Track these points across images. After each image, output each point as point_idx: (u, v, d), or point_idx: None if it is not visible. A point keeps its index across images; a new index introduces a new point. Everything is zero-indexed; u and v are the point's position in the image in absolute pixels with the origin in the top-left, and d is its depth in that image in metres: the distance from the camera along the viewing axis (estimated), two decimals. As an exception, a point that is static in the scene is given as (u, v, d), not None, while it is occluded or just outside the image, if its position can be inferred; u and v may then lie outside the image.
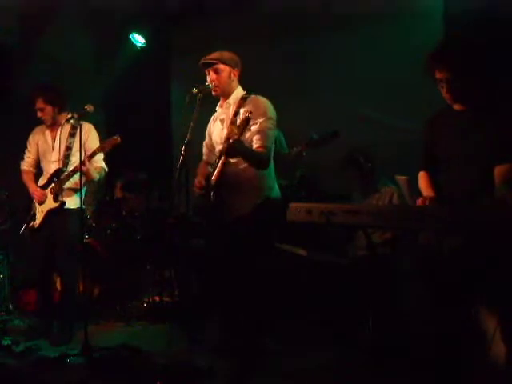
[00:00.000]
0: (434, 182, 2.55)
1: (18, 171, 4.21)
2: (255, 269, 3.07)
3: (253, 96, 3.20)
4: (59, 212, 3.87)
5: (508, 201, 2.18)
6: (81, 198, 3.67)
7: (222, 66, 3.16)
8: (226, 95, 3.23)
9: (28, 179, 4.09)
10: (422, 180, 2.62)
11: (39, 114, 3.97)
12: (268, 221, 3.11)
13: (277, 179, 3.32)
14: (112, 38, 5.82)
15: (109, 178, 5.13)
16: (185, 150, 2.95)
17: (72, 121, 3.85)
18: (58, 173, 3.91)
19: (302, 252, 3.68)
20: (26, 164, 4.14)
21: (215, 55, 3.18)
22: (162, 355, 3.15)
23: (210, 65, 3.17)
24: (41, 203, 3.93)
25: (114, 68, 6.02)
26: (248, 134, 3.05)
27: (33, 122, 4.12)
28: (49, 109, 3.95)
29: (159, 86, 6.08)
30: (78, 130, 3.73)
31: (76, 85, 5.29)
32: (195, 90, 3.05)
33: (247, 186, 3.10)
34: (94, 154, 3.74)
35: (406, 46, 4.45)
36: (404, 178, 2.74)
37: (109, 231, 4.90)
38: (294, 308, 3.71)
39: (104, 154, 3.97)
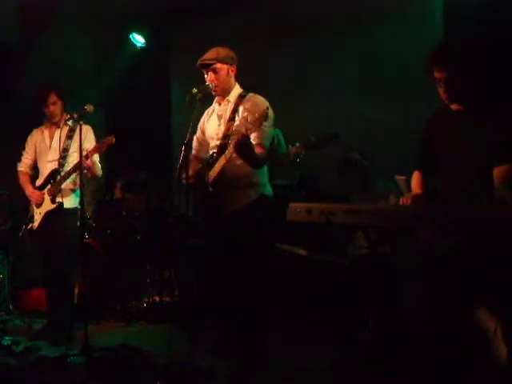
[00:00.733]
0: (424, 182, 2.57)
1: (17, 171, 4.20)
2: (253, 266, 3.07)
3: (251, 94, 3.21)
4: (57, 213, 3.86)
5: (508, 201, 2.18)
6: (81, 197, 3.67)
7: (219, 65, 3.16)
8: (226, 93, 3.24)
9: (25, 181, 4.08)
10: (414, 179, 2.64)
11: (51, 109, 3.94)
12: (263, 217, 3.13)
13: (277, 179, 3.33)
14: (112, 38, 5.82)
15: (109, 177, 5.14)
16: (185, 150, 2.95)
17: (70, 123, 3.86)
18: (54, 174, 3.89)
19: (302, 252, 3.69)
20: (24, 165, 4.13)
21: (212, 55, 3.18)
22: (162, 355, 3.16)
23: (207, 65, 3.17)
24: (38, 205, 3.91)
25: (113, 68, 6.02)
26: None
27: (33, 122, 4.12)
28: (60, 104, 3.97)
29: (159, 86, 6.07)
30: (77, 131, 3.76)
31: (76, 85, 5.29)
32: (195, 90, 3.04)
33: (243, 182, 3.12)
34: (90, 154, 3.72)
35: (406, 45, 4.45)
36: (403, 178, 2.74)
37: (109, 231, 4.90)
38: (294, 308, 3.71)
39: (103, 154, 3.97)
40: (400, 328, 3.19)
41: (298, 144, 3.46)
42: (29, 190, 4.00)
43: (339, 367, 3.06)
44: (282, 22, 5.13)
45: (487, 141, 2.28)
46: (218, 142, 3.21)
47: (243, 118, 3.05)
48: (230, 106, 3.21)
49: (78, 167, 3.64)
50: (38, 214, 3.92)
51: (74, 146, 3.91)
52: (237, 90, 3.26)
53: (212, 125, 3.32)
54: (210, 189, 3.08)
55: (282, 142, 4.29)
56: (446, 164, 2.44)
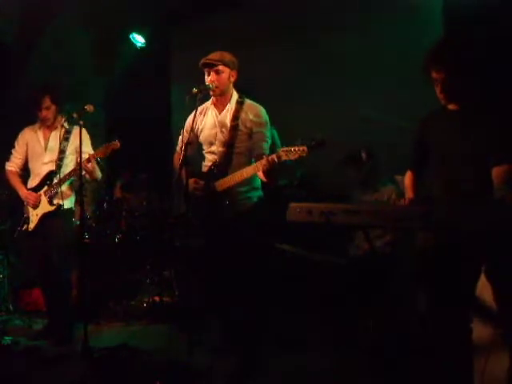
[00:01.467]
0: (417, 183, 2.58)
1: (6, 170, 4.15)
2: (254, 266, 3.07)
3: (248, 101, 3.21)
4: (55, 214, 3.83)
5: (507, 201, 2.18)
6: (81, 197, 3.65)
7: (222, 67, 3.16)
8: (224, 95, 3.24)
9: (17, 182, 4.01)
10: (407, 180, 2.65)
11: (44, 113, 3.90)
12: (266, 219, 3.14)
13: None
14: (112, 38, 5.82)
15: (109, 178, 5.14)
16: (185, 150, 2.95)
17: (66, 124, 3.86)
18: (50, 175, 3.86)
19: (302, 252, 3.69)
20: (14, 165, 4.04)
21: (217, 56, 3.18)
22: (161, 355, 3.15)
23: (211, 65, 3.17)
24: (35, 207, 3.87)
25: (114, 68, 6.02)
26: (250, 143, 3.13)
27: (32, 122, 4.12)
28: (54, 108, 3.92)
29: (159, 86, 6.08)
30: (73, 133, 3.80)
31: (76, 85, 5.29)
32: (195, 90, 3.04)
33: (247, 186, 3.13)
34: (94, 158, 3.71)
35: (406, 45, 4.45)
36: (403, 177, 2.74)
37: (109, 231, 4.90)
38: (294, 308, 3.71)
39: (104, 157, 3.97)
40: (400, 328, 3.19)
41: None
42: (23, 191, 3.94)
43: (339, 367, 3.06)
44: (281, 22, 5.13)
45: (485, 141, 2.28)
46: (220, 149, 3.19)
47: (247, 128, 3.11)
48: (230, 113, 3.20)
49: (77, 170, 3.60)
50: (35, 216, 3.87)
51: (71, 148, 3.90)
52: (235, 95, 3.26)
53: (209, 129, 3.27)
54: (215, 193, 3.08)
55: (278, 142, 4.29)
56: (444, 164, 2.43)
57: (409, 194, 2.62)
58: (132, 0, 5.07)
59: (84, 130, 3.92)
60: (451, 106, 2.42)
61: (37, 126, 4.03)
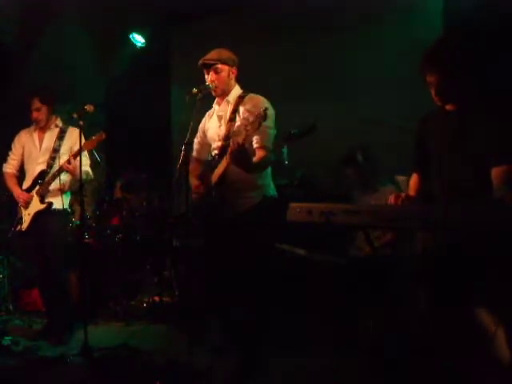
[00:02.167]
0: (421, 184, 2.57)
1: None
2: (254, 267, 3.07)
3: (251, 95, 3.21)
4: (46, 213, 3.85)
5: (507, 201, 2.18)
6: (81, 197, 3.66)
7: (221, 66, 3.17)
8: (226, 94, 3.24)
9: (12, 183, 4.06)
10: (412, 181, 2.64)
11: (35, 115, 3.96)
12: (267, 219, 3.12)
13: (276, 179, 3.33)
14: (112, 37, 5.82)
15: (109, 178, 5.14)
16: (185, 150, 2.95)
17: (60, 124, 3.88)
18: (42, 174, 3.90)
19: (302, 252, 3.69)
20: (10, 167, 4.11)
21: (214, 55, 3.18)
22: (161, 355, 3.15)
23: (209, 65, 3.18)
24: (26, 206, 3.89)
25: (114, 68, 6.02)
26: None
27: (32, 123, 4.12)
28: (44, 109, 3.96)
29: (159, 86, 6.08)
30: (67, 132, 3.85)
31: (76, 85, 5.29)
32: (195, 90, 3.04)
33: (246, 185, 3.11)
34: (79, 152, 3.68)
35: (406, 45, 4.45)
36: (404, 178, 2.74)
37: (109, 231, 4.90)
38: (294, 308, 3.70)
39: (102, 156, 3.99)
40: (400, 328, 3.19)
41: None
42: (17, 191, 3.98)
43: (339, 367, 3.06)
44: (281, 22, 5.13)
45: (484, 141, 2.27)
46: (219, 144, 3.20)
47: (244, 118, 3.05)
48: (230, 107, 3.21)
49: (63, 168, 3.73)
50: (27, 215, 3.89)
51: (65, 148, 3.93)
52: (237, 90, 3.26)
53: (213, 126, 3.32)
54: (213, 191, 3.07)
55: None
56: (443, 164, 2.43)
57: (410, 193, 2.61)
58: (132, 0, 5.06)
59: (77, 131, 3.94)
60: (449, 107, 2.42)
61: (32, 128, 4.08)
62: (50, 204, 3.85)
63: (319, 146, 4.41)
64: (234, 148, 2.77)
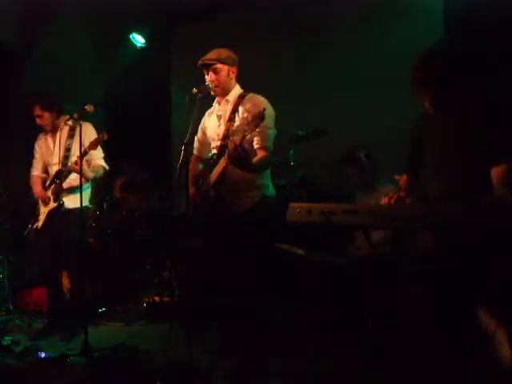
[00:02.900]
0: (415, 183, 2.56)
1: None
2: (254, 267, 3.07)
3: (251, 94, 3.21)
4: (60, 212, 3.93)
5: (507, 201, 2.17)
6: (81, 197, 3.66)
7: (220, 66, 3.17)
8: (226, 94, 3.24)
9: (35, 182, 4.17)
10: (402, 180, 2.63)
11: (38, 121, 4.04)
12: (266, 219, 3.12)
13: (276, 179, 3.33)
14: (112, 37, 5.82)
15: (109, 177, 5.14)
16: (185, 150, 2.95)
17: (70, 122, 3.89)
18: (58, 174, 3.97)
19: (302, 252, 3.68)
20: (35, 169, 4.23)
21: (213, 55, 3.18)
22: (161, 355, 3.15)
23: (208, 65, 3.18)
24: (45, 204, 4.00)
25: (114, 68, 6.02)
26: (249, 135, 3.06)
27: (33, 123, 4.13)
28: (47, 115, 4.02)
29: (159, 86, 6.08)
30: (77, 130, 3.79)
31: (76, 85, 5.29)
32: (195, 90, 3.04)
33: (246, 185, 3.11)
34: (85, 152, 3.73)
35: (406, 45, 4.45)
36: (402, 177, 2.73)
37: (109, 231, 4.90)
38: (294, 308, 3.71)
39: (104, 153, 4.01)
40: (400, 328, 3.19)
41: None
42: (36, 189, 4.10)
43: (339, 367, 3.06)
44: (281, 21, 5.13)
45: (483, 140, 2.26)
46: (218, 143, 3.21)
47: (243, 118, 3.05)
48: (230, 106, 3.21)
49: (73, 168, 3.79)
50: (43, 214, 4.00)
51: (76, 146, 3.93)
52: (237, 90, 3.26)
53: (212, 125, 3.33)
54: (212, 191, 3.07)
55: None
56: (441, 164, 2.42)
57: (402, 193, 2.59)
58: (132, 0, 5.06)
59: (90, 126, 4.04)
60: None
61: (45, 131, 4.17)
62: (61, 203, 3.92)
63: (319, 146, 4.41)
64: (232, 148, 2.77)
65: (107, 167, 4.11)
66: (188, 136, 3.03)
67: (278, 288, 3.52)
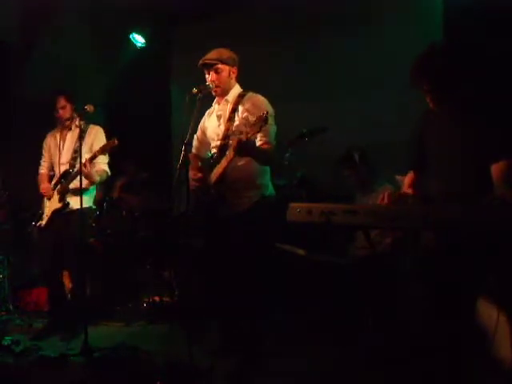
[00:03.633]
0: (418, 182, 2.56)
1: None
2: (254, 267, 3.07)
3: (250, 93, 3.22)
4: (64, 213, 3.96)
5: (508, 199, 2.17)
6: (80, 197, 3.67)
7: (221, 66, 3.17)
8: (226, 94, 3.25)
9: (41, 179, 4.22)
10: (407, 179, 2.63)
11: (61, 113, 4.07)
12: (266, 219, 3.12)
13: (276, 179, 3.33)
14: (112, 38, 5.82)
15: (108, 177, 5.12)
16: (185, 150, 2.95)
17: (81, 123, 3.91)
18: (65, 174, 4.00)
19: (302, 252, 3.68)
20: (43, 168, 4.27)
21: (214, 55, 3.18)
22: (161, 355, 3.15)
23: (209, 65, 3.18)
24: (49, 198, 4.03)
25: (114, 68, 6.02)
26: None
27: (33, 122, 4.14)
28: (69, 106, 4.08)
29: (159, 86, 6.08)
30: (87, 132, 3.95)
31: (76, 85, 5.28)
32: (195, 90, 3.05)
33: (245, 184, 3.12)
34: (94, 156, 3.78)
35: (406, 45, 4.44)
36: (403, 178, 2.73)
37: (109, 231, 4.90)
38: (294, 308, 3.71)
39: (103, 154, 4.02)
40: (400, 328, 3.19)
41: None
42: (44, 185, 4.12)
43: (339, 367, 3.06)
44: (281, 21, 5.13)
45: (483, 138, 2.26)
46: (218, 143, 3.21)
47: (243, 118, 3.06)
48: (229, 106, 3.21)
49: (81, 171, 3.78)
50: (48, 213, 4.03)
51: (86, 147, 3.99)
52: (236, 89, 3.26)
53: (212, 125, 3.33)
54: (212, 190, 3.07)
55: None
56: (440, 163, 2.42)
57: (405, 189, 2.60)
58: (132, 0, 5.06)
59: (100, 130, 4.13)
60: (445, 106, 2.40)
61: (55, 130, 4.21)
62: (66, 204, 3.95)
63: (319, 146, 4.40)
64: (238, 144, 2.79)
65: (109, 173, 4.14)
66: (188, 136, 3.03)
67: (278, 288, 3.52)
